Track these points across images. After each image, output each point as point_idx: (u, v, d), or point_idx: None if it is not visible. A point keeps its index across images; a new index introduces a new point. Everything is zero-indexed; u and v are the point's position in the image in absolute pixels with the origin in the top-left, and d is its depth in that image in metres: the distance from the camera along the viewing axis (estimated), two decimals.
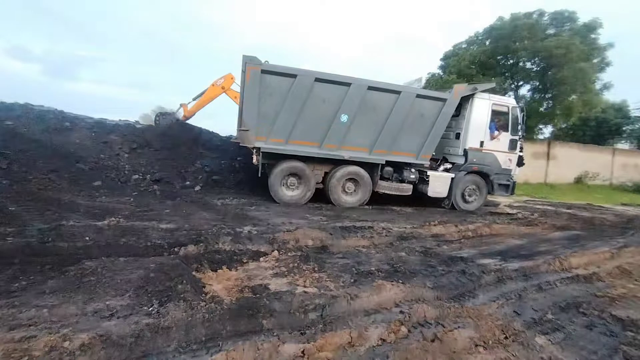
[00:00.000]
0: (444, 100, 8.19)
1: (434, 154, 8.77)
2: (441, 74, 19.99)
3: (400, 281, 3.60)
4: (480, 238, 6.16)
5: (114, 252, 3.74)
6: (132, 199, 6.51)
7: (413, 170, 8.49)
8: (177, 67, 67.02)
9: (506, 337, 2.69)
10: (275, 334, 2.49)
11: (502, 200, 11.13)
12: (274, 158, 7.65)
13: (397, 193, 8.45)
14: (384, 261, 4.30)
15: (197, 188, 8.14)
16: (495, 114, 8.78)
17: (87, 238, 4.02)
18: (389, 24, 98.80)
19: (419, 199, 9.00)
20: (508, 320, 2.99)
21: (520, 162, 9.15)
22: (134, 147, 8.69)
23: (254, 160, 7.81)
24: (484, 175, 8.96)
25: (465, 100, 8.58)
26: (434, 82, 18.20)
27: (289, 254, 4.30)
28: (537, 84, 17.94)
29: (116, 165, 8.04)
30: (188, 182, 8.29)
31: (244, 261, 3.95)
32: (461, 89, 8.62)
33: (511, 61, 18.40)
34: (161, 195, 7.21)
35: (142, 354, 2.15)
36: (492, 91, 9.08)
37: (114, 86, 59.46)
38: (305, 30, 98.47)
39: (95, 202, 5.99)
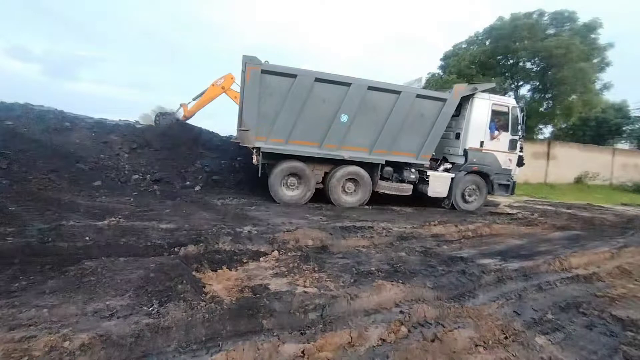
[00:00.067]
0: (444, 100, 8.19)
1: (434, 154, 8.77)
2: (441, 74, 19.98)
3: (400, 281, 3.60)
4: (480, 238, 6.16)
5: (114, 252, 3.74)
6: (132, 199, 6.51)
7: (413, 170, 8.49)
8: (177, 67, 67.17)
9: (506, 337, 2.69)
10: (275, 334, 2.49)
11: (502, 200, 11.13)
12: (274, 158, 7.65)
13: (397, 193, 8.45)
14: (384, 261, 4.30)
15: (197, 188, 8.14)
16: (495, 114, 8.78)
17: (87, 238, 4.02)
18: (389, 24, 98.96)
19: (419, 199, 9.00)
20: (508, 320, 2.99)
21: (520, 162, 9.15)
22: (134, 147, 8.69)
23: (254, 160, 7.82)
24: (484, 175, 8.96)
25: (465, 100, 8.59)
26: (434, 82, 18.19)
27: (289, 254, 4.30)
28: (537, 84, 17.94)
29: (116, 165, 8.04)
30: (188, 182, 8.29)
31: (244, 261, 3.95)
32: (461, 89, 8.62)
33: (511, 61, 18.40)
34: (161, 195, 7.21)
35: (142, 354, 2.15)
36: (492, 91, 9.08)
37: (114, 86, 59.59)
38: (305, 30, 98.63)
39: (95, 202, 5.99)
